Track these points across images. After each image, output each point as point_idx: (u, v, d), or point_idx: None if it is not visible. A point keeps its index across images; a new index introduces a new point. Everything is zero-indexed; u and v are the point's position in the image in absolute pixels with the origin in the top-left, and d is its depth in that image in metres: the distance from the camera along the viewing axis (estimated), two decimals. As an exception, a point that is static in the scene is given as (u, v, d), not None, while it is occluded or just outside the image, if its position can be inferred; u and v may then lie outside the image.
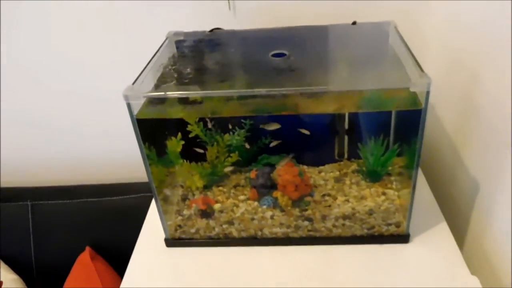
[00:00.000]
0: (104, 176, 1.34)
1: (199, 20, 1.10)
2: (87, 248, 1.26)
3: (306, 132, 0.86)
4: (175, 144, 0.83)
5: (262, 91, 0.67)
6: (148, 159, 0.77)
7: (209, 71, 0.82)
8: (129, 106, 0.71)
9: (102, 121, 1.27)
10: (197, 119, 0.85)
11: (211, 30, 0.95)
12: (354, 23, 0.93)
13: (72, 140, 1.31)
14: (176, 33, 0.96)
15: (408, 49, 0.76)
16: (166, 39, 0.95)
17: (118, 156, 1.33)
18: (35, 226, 1.30)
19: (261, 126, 0.85)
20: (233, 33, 0.94)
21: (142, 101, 0.71)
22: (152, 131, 0.80)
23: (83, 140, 1.31)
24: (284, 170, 0.87)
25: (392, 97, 0.73)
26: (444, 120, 1.04)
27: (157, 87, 0.75)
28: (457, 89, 0.97)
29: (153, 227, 0.90)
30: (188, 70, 0.80)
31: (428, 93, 0.66)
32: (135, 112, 0.73)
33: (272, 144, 0.90)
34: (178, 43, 0.92)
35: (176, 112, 0.76)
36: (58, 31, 1.14)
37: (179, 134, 0.83)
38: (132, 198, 1.28)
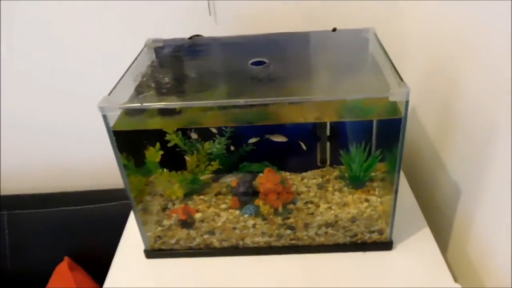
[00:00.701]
0: (83, 183, 1.32)
1: (179, 26, 1.09)
2: (66, 259, 1.25)
3: (283, 139, 0.86)
4: (153, 154, 0.82)
5: (240, 101, 0.67)
6: (126, 169, 0.76)
7: (188, 80, 0.82)
8: (105, 118, 0.70)
9: (79, 124, 1.24)
10: (175, 129, 0.85)
11: (191, 37, 0.95)
12: (334, 29, 0.93)
13: (49, 145, 1.29)
14: (155, 40, 0.95)
15: (387, 56, 0.77)
16: (145, 46, 0.94)
17: (97, 162, 1.31)
18: (12, 237, 1.27)
19: (266, 136, 0.85)
20: (212, 40, 0.94)
21: (118, 112, 0.69)
22: (129, 141, 0.79)
23: (60, 145, 1.28)
24: (266, 178, 0.87)
25: (372, 105, 0.74)
26: (425, 124, 1.06)
27: (134, 97, 0.74)
28: (437, 94, 0.99)
29: (132, 237, 0.89)
30: (167, 79, 0.80)
31: (407, 102, 0.67)
32: (112, 123, 0.72)
33: (250, 141, 0.90)
34: (157, 51, 0.92)
35: (154, 123, 0.75)
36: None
37: (158, 144, 0.82)
38: (112, 205, 1.27)
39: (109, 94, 0.72)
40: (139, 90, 0.77)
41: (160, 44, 0.96)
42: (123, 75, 0.79)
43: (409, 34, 1.09)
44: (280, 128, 0.88)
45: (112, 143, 0.74)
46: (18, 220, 1.27)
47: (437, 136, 0.99)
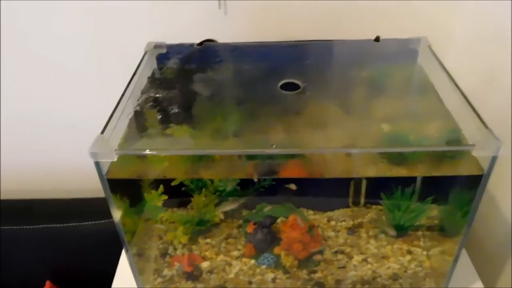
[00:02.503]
0: (72, 187, 1.16)
1: (187, 19, 0.93)
2: (47, 284, 1.11)
3: (293, 187, 0.72)
4: (155, 198, 0.66)
5: (266, 151, 0.52)
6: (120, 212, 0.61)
7: (198, 108, 0.66)
8: (97, 165, 0.54)
9: (67, 128, 1.07)
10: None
11: (201, 43, 0.78)
12: (377, 39, 0.78)
13: (35, 147, 1.13)
14: (158, 45, 0.78)
15: (456, 85, 0.62)
16: (145, 53, 0.77)
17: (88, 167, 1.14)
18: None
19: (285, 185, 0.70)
20: (228, 48, 0.78)
21: (114, 158, 0.53)
22: (126, 184, 0.63)
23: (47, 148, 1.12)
24: (291, 225, 0.73)
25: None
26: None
27: (133, 134, 0.58)
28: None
29: (126, 280, 0.74)
30: (173, 109, 0.63)
31: (495, 158, 0.52)
32: (105, 168, 0.56)
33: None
34: (160, 59, 0.75)
35: (158, 171, 0.59)
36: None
37: (161, 186, 0.66)
38: (101, 224, 1.12)
39: (102, 132, 0.56)
40: (139, 124, 0.61)
41: (163, 50, 0.79)
42: (120, 100, 0.63)
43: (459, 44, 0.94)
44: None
45: (106, 192, 0.58)
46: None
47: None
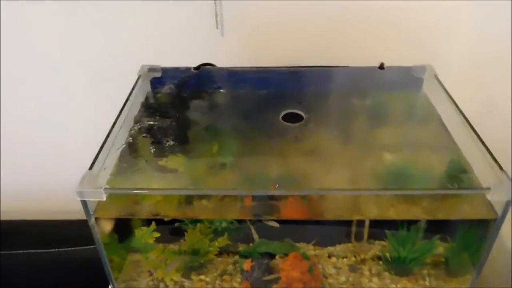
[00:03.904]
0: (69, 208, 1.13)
1: (184, 40, 0.92)
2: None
3: (275, 224, 0.69)
4: (146, 235, 0.63)
5: (268, 192, 0.50)
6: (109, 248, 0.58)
7: (193, 141, 0.63)
8: (84, 204, 0.51)
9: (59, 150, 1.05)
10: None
11: (198, 67, 0.75)
12: (381, 66, 0.76)
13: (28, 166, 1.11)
14: (152, 69, 0.76)
15: (465, 118, 0.60)
16: (139, 77, 0.74)
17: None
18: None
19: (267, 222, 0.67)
20: (226, 74, 0.75)
21: (103, 197, 0.50)
22: (115, 221, 0.60)
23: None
24: (290, 264, 0.70)
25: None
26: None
27: (124, 169, 0.55)
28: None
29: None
30: (167, 140, 0.61)
31: (509, 202, 0.50)
32: (92, 207, 0.53)
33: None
34: (154, 84, 0.73)
35: (150, 207, 0.56)
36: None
37: (153, 223, 0.63)
38: (90, 249, 1.09)
39: (90, 168, 0.53)
40: (130, 157, 0.58)
41: (158, 74, 0.76)
42: (111, 130, 0.60)
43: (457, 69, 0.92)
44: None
45: (94, 233, 0.55)
46: (7, 259, 1.09)
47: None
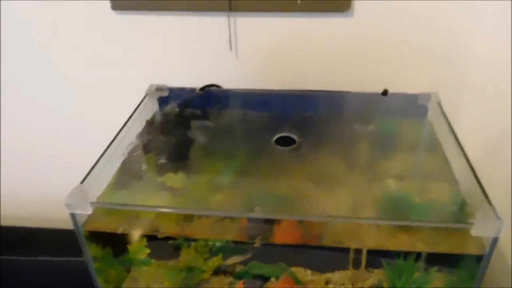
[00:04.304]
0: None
1: (198, 61, 0.93)
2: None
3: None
4: (137, 251, 0.65)
5: (252, 215, 0.50)
6: (102, 262, 0.60)
7: (188, 159, 0.65)
8: (73, 216, 0.53)
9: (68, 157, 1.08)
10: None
11: (202, 88, 0.77)
12: (384, 93, 0.75)
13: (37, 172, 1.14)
14: (160, 88, 0.79)
15: (463, 151, 0.59)
16: (146, 95, 0.77)
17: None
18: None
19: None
20: (229, 95, 0.77)
21: (89, 211, 0.52)
22: (106, 235, 0.62)
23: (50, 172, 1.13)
24: (281, 286, 0.69)
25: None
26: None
27: (120, 185, 0.57)
28: (501, 175, 0.80)
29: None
30: (163, 158, 0.62)
31: (495, 239, 0.48)
32: (82, 220, 0.55)
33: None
34: (162, 103, 0.75)
35: (141, 224, 0.58)
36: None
37: (144, 239, 0.65)
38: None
39: (82, 182, 0.55)
40: (127, 172, 0.60)
41: (165, 94, 0.79)
42: (108, 147, 0.62)
43: (468, 102, 0.90)
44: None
45: (82, 246, 0.57)
46: (6, 265, 1.11)
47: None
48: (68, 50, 0.94)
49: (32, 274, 1.12)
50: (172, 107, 0.75)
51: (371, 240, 0.59)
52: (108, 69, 0.94)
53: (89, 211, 0.53)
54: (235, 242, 0.76)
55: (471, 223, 0.49)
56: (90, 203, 0.52)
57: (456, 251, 0.54)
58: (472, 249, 0.51)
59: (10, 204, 1.22)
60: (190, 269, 0.75)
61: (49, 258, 1.10)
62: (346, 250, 0.78)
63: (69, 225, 0.57)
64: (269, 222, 0.55)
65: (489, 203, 0.51)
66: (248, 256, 0.72)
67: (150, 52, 0.94)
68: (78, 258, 1.08)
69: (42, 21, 0.91)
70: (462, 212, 0.54)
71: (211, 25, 0.90)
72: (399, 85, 0.76)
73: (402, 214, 0.60)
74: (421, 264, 0.71)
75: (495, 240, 0.49)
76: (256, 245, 0.58)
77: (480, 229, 0.49)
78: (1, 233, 1.16)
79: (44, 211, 1.20)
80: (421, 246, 0.58)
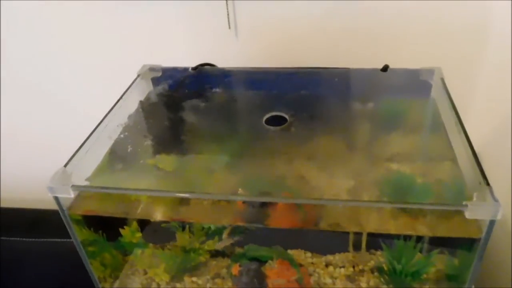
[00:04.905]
0: None
1: (196, 40, 0.91)
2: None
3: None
4: (129, 235, 0.63)
5: (234, 197, 0.48)
6: (95, 246, 0.59)
7: (177, 140, 0.63)
8: (56, 199, 0.52)
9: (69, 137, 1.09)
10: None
11: (195, 68, 0.75)
12: (385, 68, 0.72)
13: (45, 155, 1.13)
14: (152, 68, 0.76)
15: (464, 130, 0.55)
16: (138, 76, 0.75)
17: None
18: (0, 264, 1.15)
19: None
20: (222, 75, 0.74)
21: (72, 196, 0.51)
22: (97, 216, 0.61)
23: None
24: (277, 271, 0.68)
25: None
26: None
27: (108, 167, 0.56)
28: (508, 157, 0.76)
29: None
30: (153, 139, 0.61)
31: (492, 222, 0.45)
32: (67, 203, 0.54)
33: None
34: (155, 83, 0.73)
35: (127, 210, 0.57)
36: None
37: (135, 223, 0.63)
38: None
39: (65, 165, 0.54)
40: (113, 155, 0.58)
41: (159, 74, 0.77)
42: (96, 127, 0.61)
43: (479, 80, 0.86)
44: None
45: (67, 226, 0.56)
46: (8, 247, 1.14)
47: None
48: (65, 32, 0.92)
49: (38, 256, 1.14)
50: (165, 87, 0.73)
51: (369, 223, 0.56)
52: (104, 50, 0.93)
53: (71, 194, 0.51)
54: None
55: (466, 205, 0.45)
56: (72, 186, 0.51)
57: (452, 235, 0.51)
58: (471, 233, 0.48)
59: (16, 187, 1.23)
60: (186, 253, 0.74)
61: (56, 240, 1.11)
62: (346, 233, 0.76)
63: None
64: (262, 205, 0.53)
65: (487, 184, 0.48)
66: (237, 238, 0.70)
67: (147, 32, 0.92)
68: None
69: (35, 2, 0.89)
70: (459, 194, 0.51)
71: (210, 4, 0.87)
72: (403, 63, 0.73)
73: (400, 195, 0.57)
74: (421, 246, 0.68)
75: (492, 223, 0.46)
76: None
77: (475, 211, 0.45)
78: (9, 215, 1.18)
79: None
80: (420, 229, 0.55)
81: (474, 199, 0.46)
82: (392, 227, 0.55)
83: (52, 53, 0.96)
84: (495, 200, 0.45)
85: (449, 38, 0.81)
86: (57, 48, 0.95)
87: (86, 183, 0.54)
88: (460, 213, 0.48)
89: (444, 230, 0.52)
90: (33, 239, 1.14)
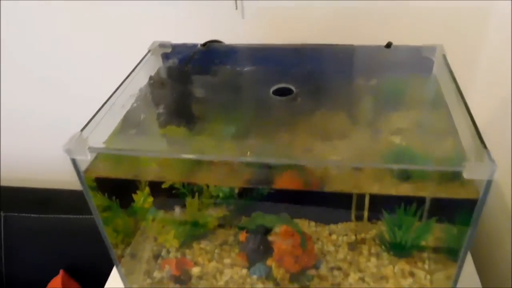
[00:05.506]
0: None
1: (203, 21, 0.92)
2: (61, 272, 1.14)
3: None
4: (141, 199, 0.66)
5: (241, 158, 0.50)
6: (108, 211, 0.61)
7: (187, 111, 0.65)
8: (73, 161, 0.54)
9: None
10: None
11: (204, 44, 0.77)
12: (388, 45, 0.73)
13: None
14: (162, 45, 0.78)
15: (464, 101, 0.57)
16: (149, 52, 0.77)
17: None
18: (7, 239, 1.17)
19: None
20: (230, 51, 0.76)
21: (89, 157, 0.53)
22: (110, 181, 0.63)
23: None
24: (282, 237, 0.70)
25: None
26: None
27: (117, 133, 0.58)
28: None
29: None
30: (161, 109, 0.62)
31: (489, 182, 0.47)
32: (84, 165, 0.56)
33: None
34: (165, 59, 0.75)
35: (141, 172, 0.59)
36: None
37: (147, 188, 0.66)
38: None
39: (82, 130, 0.56)
40: (126, 122, 0.60)
41: (168, 50, 0.78)
42: (109, 97, 0.63)
43: (482, 56, 0.87)
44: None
45: (84, 189, 0.58)
46: (16, 222, 1.17)
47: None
48: (71, 10, 0.94)
49: (46, 231, 1.16)
50: (175, 62, 0.75)
51: (371, 187, 0.58)
52: (112, 29, 0.94)
53: (87, 156, 0.53)
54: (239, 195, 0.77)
55: (464, 166, 0.47)
56: (89, 148, 0.53)
57: (452, 196, 0.52)
58: (469, 194, 0.50)
59: (27, 167, 1.24)
60: (195, 220, 0.76)
61: (62, 216, 1.14)
62: (349, 203, 0.78)
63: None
64: (269, 168, 0.55)
65: (484, 147, 0.49)
66: (233, 207, 0.73)
67: (154, 15, 0.93)
68: (90, 216, 1.12)
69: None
70: (458, 159, 0.53)
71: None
72: (407, 41, 0.74)
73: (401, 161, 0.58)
74: (420, 213, 0.70)
75: (489, 183, 0.48)
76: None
77: (473, 171, 0.47)
78: (20, 193, 1.21)
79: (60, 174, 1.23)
80: (420, 192, 0.57)
81: (472, 160, 0.48)
82: (393, 192, 0.57)
83: (57, 32, 0.97)
84: (492, 160, 0.47)
85: (452, 16, 0.82)
86: (62, 27, 0.97)
87: (103, 146, 0.55)
88: (459, 176, 0.50)
89: (443, 193, 0.54)
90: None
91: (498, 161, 0.48)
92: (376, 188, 0.56)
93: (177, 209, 0.71)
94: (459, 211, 0.58)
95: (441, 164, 0.51)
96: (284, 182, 0.56)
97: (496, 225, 0.84)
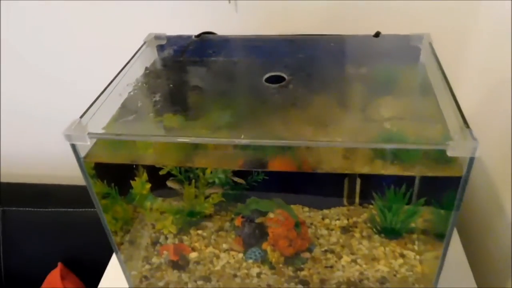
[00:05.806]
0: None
1: (196, 14, 0.94)
2: (59, 265, 1.15)
3: (241, 181, 0.70)
4: (139, 186, 0.67)
5: (235, 141, 0.52)
6: (107, 199, 0.63)
7: (184, 98, 0.67)
8: (73, 147, 0.56)
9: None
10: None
11: (199, 35, 0.78)
12: (377, 34, 0.75)
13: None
14: (157, 36, 0.80)
15: (448, 83, 0.59)
16: (144, 43, 0.78)
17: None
18: (6, 233, 1.19)
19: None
20: (224, 41, 0.78)
21: (89, 143, 0.55)
22: (109, 168, 0.65)
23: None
24: (275, 221, 0.72)
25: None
26: (483, 158, 0.87)
27: (115, 120, 0.59)
28: (500, 122, 0.79)
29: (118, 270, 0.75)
30: (157, 97, 0.64)
31: (472, 159, 0.49)
32: (84, 152, 0.57)
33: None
34: (160, 51, 0.77)
35: (139, 157, 0.60)
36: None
37: (145, 174, 0.67)
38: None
39: (81, 116, 0.58)
40: (124, 109, 0.62)
41: (163, 42, 0.80)
42: (107, 87, 0.64)
43: (470, 46, 0.89)
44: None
45: (83, 175, 0.60)
46: (15, 217, 1.19)
47: (500, 175, 0.80)
48: (69, 5, 0.95)
49: (44, 224, 1.17)
50: (170, 53, 0.77)
51: (362, 169, 0.60)
52: (109, 23, 0.95)
53: (87, 141, 0.55)
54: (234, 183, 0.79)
55: (447, 144, 0.49)
56: (88, 133, 0.55)
57: (438, 174, 0.55)
58: (454, 172, 0.52)
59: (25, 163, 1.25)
60: (192, 206, 0.78)
61: (61, 209, 1.15)
62: (341, 188, 0.80)
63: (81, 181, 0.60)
64: (262, 150, 0.57)
65: (467, 126, 0.51)
66: (226, 188, 0.74)
67: (149, 7, 0.95)
68: (88, 209, 1.13)
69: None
70: (442, 139, 0.55)
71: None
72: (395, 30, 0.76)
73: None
74: (410, 195, 0.72)
75: (471, 160, 0.50)
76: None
77: (456, 149, 0.49)
78: (18, 188, 1.22)
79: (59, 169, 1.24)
80: (408, 172, 0.59)
81: (456, 138, 0.50)
82: (383, 171, 0.59)
83: (56, 26, 0.99)
84: (474, 138, 0.49)
85: (441, 6, 0.84)
86: (60, 21, 0.98)
87: (102, 131, 0.57)
88: (443, 154, 0.52)
89: (430, 172, 0.56)
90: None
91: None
92: (366, 169, 0.58)
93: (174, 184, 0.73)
94: (446, 192, 0.60)
95: (426, 144, 0.53)
96: (277, 164, 0.58)
97: (483, 207, 0.87)
